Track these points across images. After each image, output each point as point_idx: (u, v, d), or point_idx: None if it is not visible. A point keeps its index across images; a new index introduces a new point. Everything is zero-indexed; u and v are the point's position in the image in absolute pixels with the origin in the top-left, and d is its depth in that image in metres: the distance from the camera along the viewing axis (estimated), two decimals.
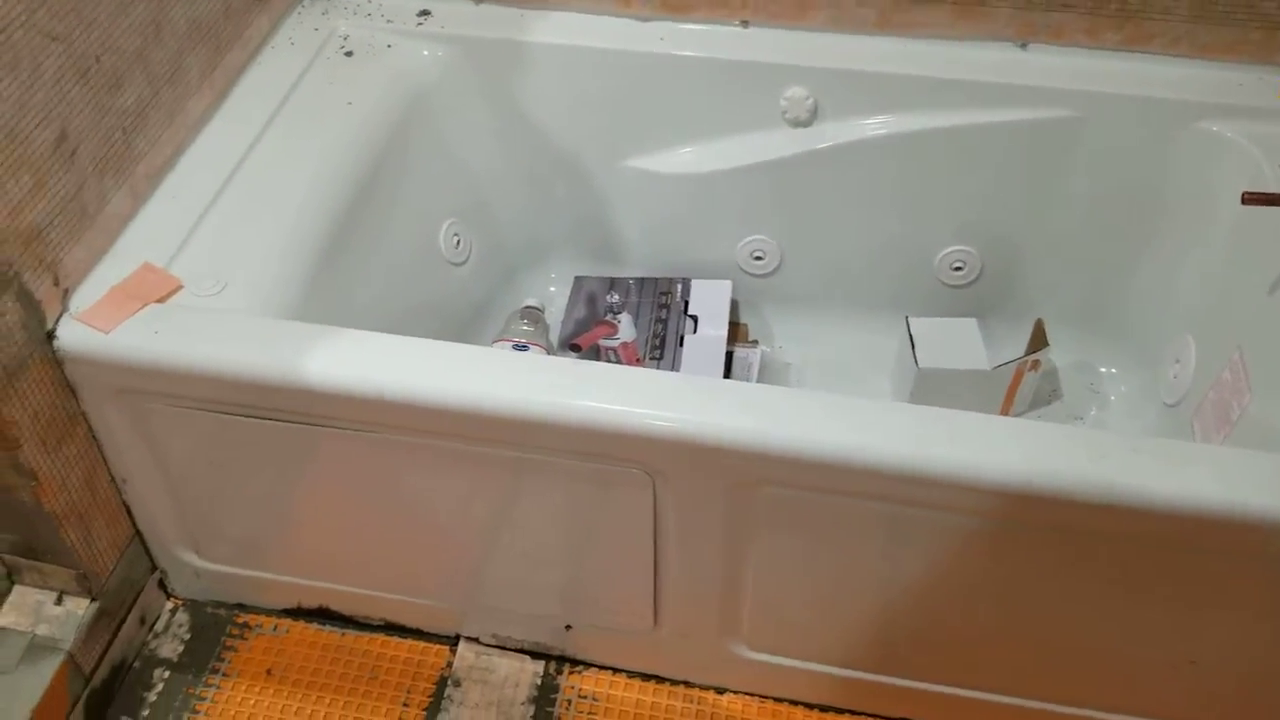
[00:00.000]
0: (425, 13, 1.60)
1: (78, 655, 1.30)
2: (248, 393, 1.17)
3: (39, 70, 1.12)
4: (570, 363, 1.13)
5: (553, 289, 1.75)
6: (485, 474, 1.20)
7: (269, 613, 1.46)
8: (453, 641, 1.41)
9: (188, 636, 1.44)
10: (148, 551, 1.42)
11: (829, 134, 1.53)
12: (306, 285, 1.32)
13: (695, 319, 1.59)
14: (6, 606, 1.33)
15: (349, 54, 1.56)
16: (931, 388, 1.49)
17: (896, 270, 1.63)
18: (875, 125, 1.52)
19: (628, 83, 1.57)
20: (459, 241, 1.64)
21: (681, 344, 1.55)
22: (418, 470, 1.22)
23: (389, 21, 1.59)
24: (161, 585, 1.46)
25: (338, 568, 1.39)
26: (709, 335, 1.55)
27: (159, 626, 1.45)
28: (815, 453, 1.04)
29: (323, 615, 1.45)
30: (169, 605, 1.47)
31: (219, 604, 1.47)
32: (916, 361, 1.49)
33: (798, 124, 1.53)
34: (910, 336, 1.53)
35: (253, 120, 1.44)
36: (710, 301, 1.59)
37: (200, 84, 1.41)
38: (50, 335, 1.19)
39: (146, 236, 1.29)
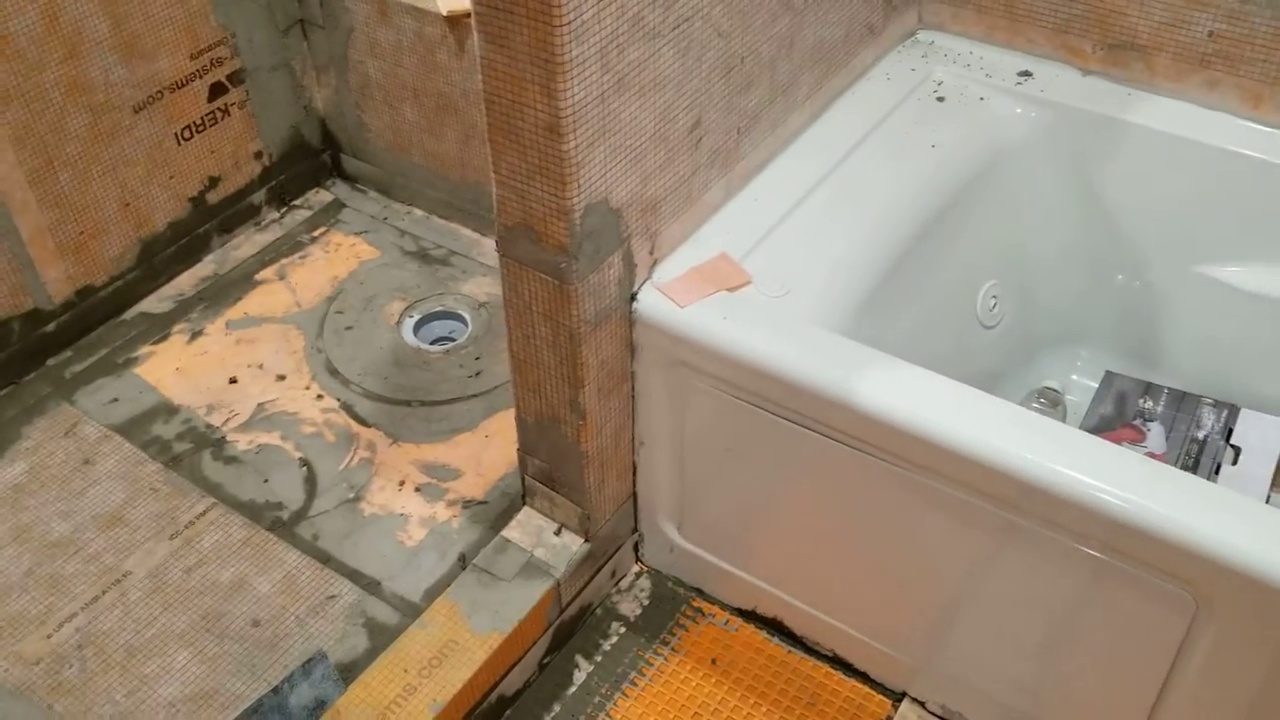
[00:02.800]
0: (1026, 74, 1.58)
1: (562, 586, 1.41)
2: (792, 396, 1.21)
3: (701, 60, 1.22)
4: (1141, 457, 1.06)
5: (1074, 377, 1.67)
6: (990, 537, 1.16)
7: (724, 606, 1.50)
8: (897, 697, 1.38)
9: (647, 602, 1.52)
10: (635, 514, 1.51)
11: None
12: (860, 308, 1.35)
13: (1237, 450, 1.45)
14: (514, 523, 1.47)
15: (940, 99, 1.58)
16: None
17: None
18: None
19: (1227, 186, 1.46)
20: (995, 305, 1.61)
21: (1217, 472, 1.42)
22: (919, 513, 1.21)
23: (987, 76, 1.59)
24: (635, 548, 1.55)
25: (803, 585, 1.41)
26: (1252, 472, 1.41)
27: (623, 584, 1.54)
28: None
29: (774, 626, 1.47)
30: (635, 568, 1.56)
31: (680, 583, 1.53)
32: None
33: None
34: None
35: (839, 144, 1.49)
36: (1260, 436, 1.44)
37: (804, 101, 1.48)
38: (633, 297, 1.29)
39: (728, 229, 1.37)
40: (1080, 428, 1.54)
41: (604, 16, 1.05)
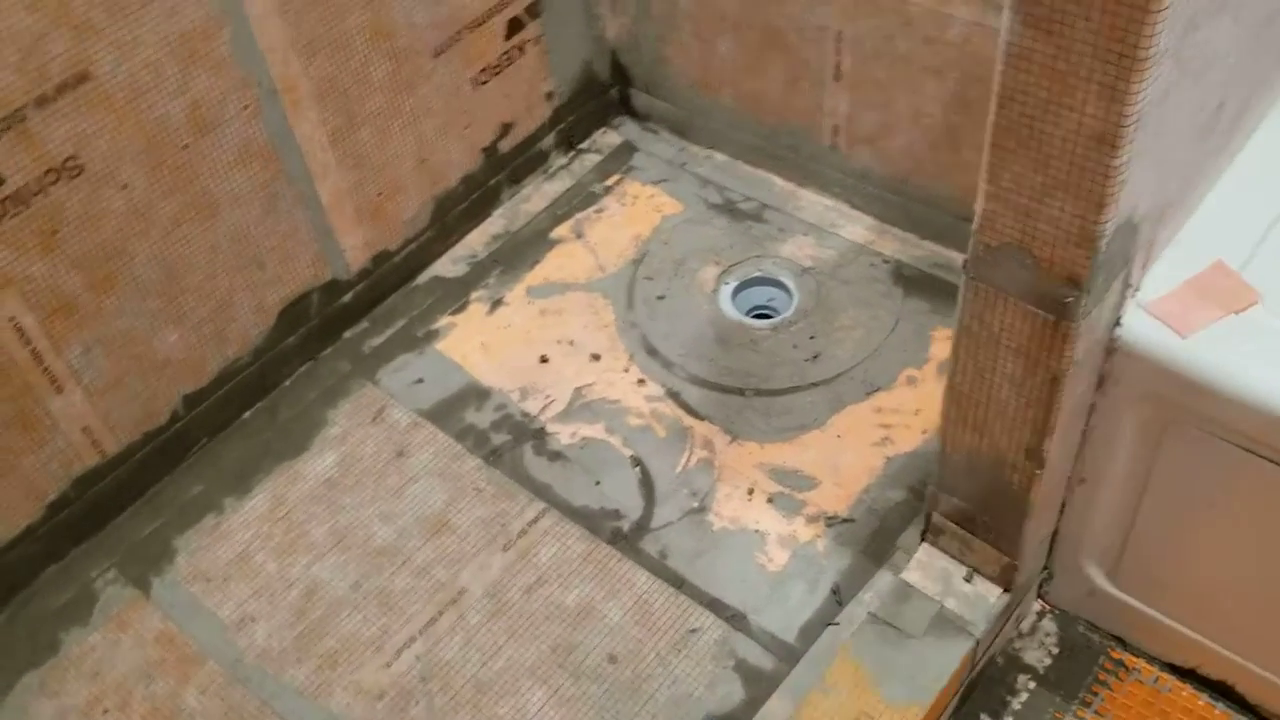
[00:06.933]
0: None
1: (980, 644, 1.21)
2: None
3: (1246, 26, 0.94)
4: None
5: None
6: None
7: (1151, 660, 1.28)
8: None
9: (1055, 650, 1.31)
10: (1050, 551, 1.29)
11: None
12: None
13: None
14: (913, 563, 1.26)
15: None
16: None
17: None
18: None
19: None
20: None
21: None
22: None
23: None
24: (1038, 585, 1.33)
25: (1268, 648, 1.17)
26: None
27: (1024, 626, 1.33)
28: None
29: (1219, 690, 1.24)
30: (1036, 606, 1.34)
31: (1093, 627, 1.31)
32: None
33: None
34: None
35: None
36: None
37: None
38: (1115, 321, 1.04)
39: (1214, 226, 1.10)
40: None
41: None
